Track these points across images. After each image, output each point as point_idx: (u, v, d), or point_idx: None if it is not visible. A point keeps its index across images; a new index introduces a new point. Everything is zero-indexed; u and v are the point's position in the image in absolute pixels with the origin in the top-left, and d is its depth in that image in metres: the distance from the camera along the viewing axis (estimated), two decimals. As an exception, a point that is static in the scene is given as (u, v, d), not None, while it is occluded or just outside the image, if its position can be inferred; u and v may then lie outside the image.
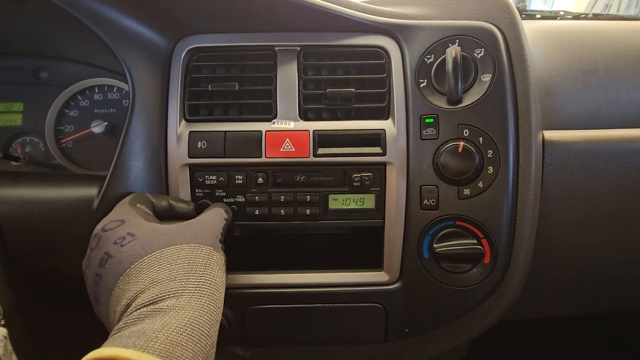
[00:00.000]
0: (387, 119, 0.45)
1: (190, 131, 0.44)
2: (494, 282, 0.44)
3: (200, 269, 0.32)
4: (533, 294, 0.54)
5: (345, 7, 0.45)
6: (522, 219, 0.42)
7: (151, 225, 0.35)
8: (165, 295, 0.29)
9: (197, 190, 0.45)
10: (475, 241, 0.42)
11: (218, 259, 0.35)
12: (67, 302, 0.47)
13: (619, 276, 0.55)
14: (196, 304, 0.29)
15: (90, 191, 0.42)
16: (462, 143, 0.41)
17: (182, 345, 0.26)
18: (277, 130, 0.44)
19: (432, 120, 0.43)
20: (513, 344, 0.93)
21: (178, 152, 0.44)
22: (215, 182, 0.45)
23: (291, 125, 0.44)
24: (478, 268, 0.43)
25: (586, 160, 0.46)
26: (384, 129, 0.44)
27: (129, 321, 0.27)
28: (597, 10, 2.50)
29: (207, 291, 0.31)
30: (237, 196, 0.45)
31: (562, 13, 0.88)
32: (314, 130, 0.44)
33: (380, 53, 0.46)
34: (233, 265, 0.47)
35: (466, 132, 0.42)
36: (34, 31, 0.53)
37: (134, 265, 0.31)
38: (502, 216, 0.42)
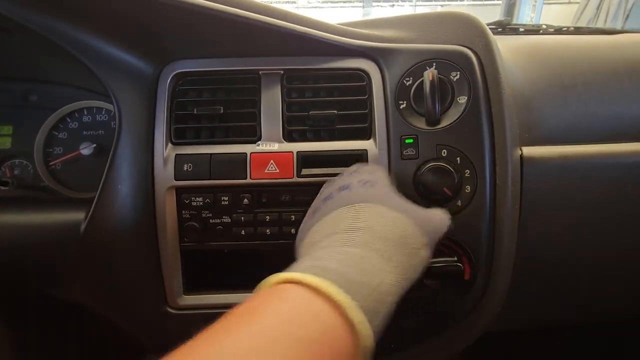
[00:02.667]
0: (369, 139, 0.46)
1: (177, 154, 0.45)
2: (475, 297, 0.45)
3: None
4: (518, 306, 0.55)
5: (327, 32, 0.46)
6: (501, 236, 0.43)
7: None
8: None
9: (183, 211, 0.46)
10: (456, 258, 0.43)
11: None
12: (53, 326, 0.48)
13: (600, 288, 0.56)
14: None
15: (77, 215, 0.42)
16: (439, 164, 0.42)
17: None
18: (261, 152, 0.45)
19: (412, 140, 0.44)
20: (504, 354, 0.93)
21: (164, 174, 0.45)
22: (201, 203, 0.45)
23: (275, 146, 0.46)
24: (458, 284, 0.44)
25: (564, 175, 0.48)
26: (366, 149, 0.45)
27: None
28: (584, 20, 2.55)
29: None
30: (223, 217, 0.46)
31: (544, 27, 0.91)
32: (297, 152, 0.45)
33: (362, 75, 0.47)
34: (220, 284, 0.48)
35: (444, 152, 0.43)
36: (23, 56, 0.54)
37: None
38: (481, 233, 0.43)
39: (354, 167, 0.38)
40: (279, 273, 0.26)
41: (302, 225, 0.37)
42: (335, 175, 0.44)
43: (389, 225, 0.30)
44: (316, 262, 0.26)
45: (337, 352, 0.23)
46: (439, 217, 0.35)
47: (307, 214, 0.38)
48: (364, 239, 0.28)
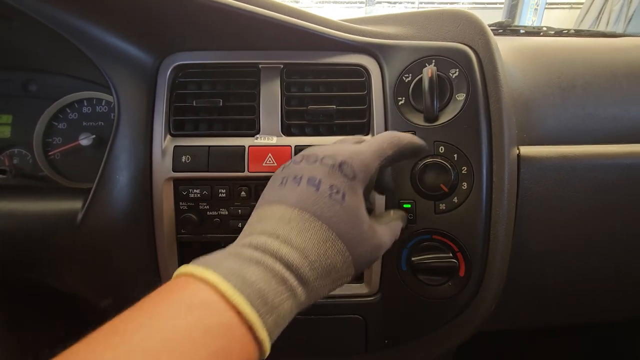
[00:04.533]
0: (367, 134, 0.46)
1: (175, 146, 0.45)
2: (470, 294, 0.45)
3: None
4: (513, 305, 0.55)
5: (327, 28, 0.46)
6: (496, 233, 0.44)
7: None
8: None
9: (181, 203, 0.46)
10: (451, 254, 0.43)
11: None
12: (48, 314, 0.48)
13: (596, 287, 0.56)
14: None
15: (74, 205, 0.42)
16: (436, 160, 0.43)
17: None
18: (259, 146, 0.45)
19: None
20: (500, 352, 0.94)
21: (162, 166, 0.45)
22: (199, 195, 0.46)
23: (273, 140, 0.46)
24: (453, 281, 0.44)
25: (561, 175, 0.48)
26: (363, 145, 0.45)
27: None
28: (587, 23, 2.55)
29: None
30: (221, 209, 0.46)
31: (545, 29, 0.91)
32: (295, 146, 0.45)
33: (361, 71, 0.47)
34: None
35: (442, 149, 0.43)
36: (23, 45, 0.54)
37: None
38: (476, 231, 0.43)
39: (337, 159, 0.33)
40: (200, 263, 0.27)
41: (268, 186, 0.36)
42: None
43: (324, 256, 0.30)
44: (241, 267, 0.27)
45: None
46: (377, 254, 0.34)
47: (275, 176, 0.36)
48: (293, 259, 0.28)
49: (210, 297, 0.24)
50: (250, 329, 0.24)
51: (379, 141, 0.37)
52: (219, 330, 0.23)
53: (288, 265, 0.28)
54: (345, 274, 0.31)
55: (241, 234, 0.32)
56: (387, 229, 0.36)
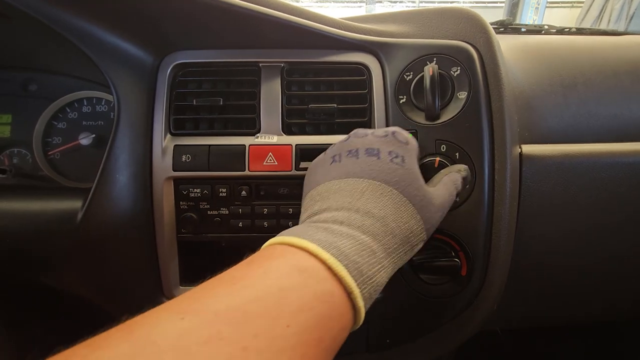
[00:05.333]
0: (368, 133, 0.46)
1: (175, 145, 0.45)
2: (471, 293, 0.45)
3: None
4: (515, 304, 0.55)
5: (328, 26, 0.46)
6: (498, 233, 0.43)
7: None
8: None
9: (181, 202, 0.46)
10: (453, 254, 0.43)
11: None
12: (47, 313, 0.48)
13: (598, 287, 0.56)
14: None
15: (74, 204, 0.42)
16: (437, 158, 0.42)
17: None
18: (260, 145, 0.45)
19: (411, 135, 0.44)
20: (501, 352, 0.94)
21: (163, 165, 0.45)
22: (199, 194, 0.45)
23: (274, 139, 0.45)
24: (455, 280, 0.44)
25: (563, 173, 0.48)
26: (365, 144, 0.45)
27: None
28: (588, 22, 2.55)
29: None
30: (221, 209, 0.46)
31: (546, 27, 0.91)
32: (296, 145, 0.45)
33: (362, 70, 0.47)
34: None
35: (443, 148, 0.43)
36: (23, 44, 0.53)
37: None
38: (478, 230, 0.43)
39: (389, 129, 0.36)
40: (295, 234, 0.27)
41: (315, 167, 0.37)
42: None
43: (402, 221, 0.31)
44: (334, 240, 0.27)
45: (341, 327, 0.25)
46: (440, 214, 0.35)
47: (323, 156, 0.37)
48: (376, 229, 0.29)
49: (315, 264, 0.25)
50: (349, 297, 0.25)
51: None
52: (325, 296, 0.24)
53: (374, 236, 0.29)
54: (420, 239, 0.32)
55: (307, 211, 0.33)
56: (441, 188, 0.36)
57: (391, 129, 0.36)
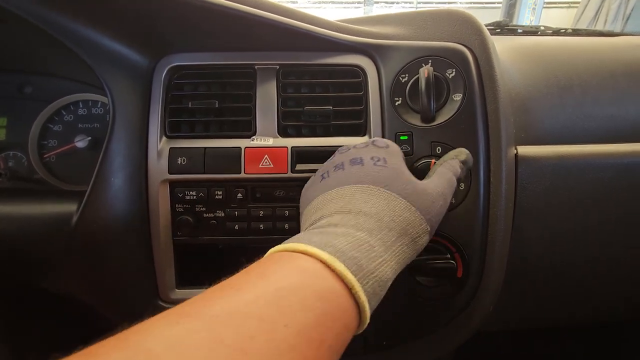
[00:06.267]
0: (364, 135, 0.46)
1: (171, 147, 0.45)
2: (468, 295, 0.45)
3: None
4: (512, 305, 0.55)
5: (323, 28, 0.46)
6: (494, 234, 0.43)
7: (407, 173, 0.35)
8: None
9: (177, 205, 0.45)
10: (449, 255, 0.43)
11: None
12: (44, 319, 0.47)
13: (594, 288, 0.56)
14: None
15: (69, 207, 0.42)
16: (433, 160, 0.42)
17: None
18: (256, 147, 0.45)
19: (406, 137, 0.44)
20: (499, 353, 0.94)
21: (158, 168, 0.45)
22: (195, 197, 0.45)
23: (270, 141, 0.45)
24: (451, 282, 0.44)
25: (558, 175, 0.48)
26: (360, 146, 0.45)
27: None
28: (584, 22, 2.56)
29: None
30: (217, 211, 0.46)
31: (542, 28, 0.91)
32: (292, 147, 0.45)
33: (357, 72, 0.47)
34: (212, 278, 0.48)
35: (439, 150, 0.43)
36: (18, 47, 0.53)
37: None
38: (474, 231, 0.43)
39: (369, 140, 0.39)
40: (292, 241, 0.28)
41: (308, 187, 0.39)
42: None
43: (395, 214, 0.31)
44: (330, 239, 0.27)
45: (344, 326, 0.25)
46: (441, 202, 0.35)
47: (314, 177, 0.39)
48: (371, 225, 0.30)
49: (313, 264, 0.25)
50: (351, 293, 0.25)
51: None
52: (325, 293, 0.24)
53: (370, 232, 0.29)
54: (422, 230, 0.33)
55: (304, 225, 0.34)
56: (435, 178, 0.37)
57: (371, 139, 0.39)
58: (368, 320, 0.27)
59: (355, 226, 0.29)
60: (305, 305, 0.23)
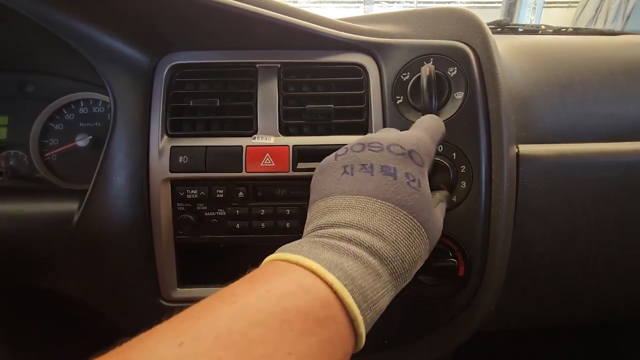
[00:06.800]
0: (365, 134, 0.46)
1: (172, 146, 0.45)
2: (469, 294, 0.45)
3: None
4: (513, 304, 0.55)
5: (325, 26, 0.46)
6: (496, 233, 0.43)
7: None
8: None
9: (178, 204, 0.45)
10: (450, 254, 0.43)
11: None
12: (45, 319, 0.47)
13: (596, 287, 0.56)
14: None
15: (70, 206, 0.42)
16: (435, 159, 0.42)
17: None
18: (257, 145, 0.45)
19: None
20: (499, 353, 0.94)
21: (159, 166, 0.45)
22: (196, 196, 0.45)
23: (271, 140, 0.45)
24: (453, 281, 0.44)
25: (560, 173, 0.48)
26: (362, 144, 0.45)
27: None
28: (583, 21, 2.55)
29: None
30: (218, 210, 0.46)
31: (543, 27, 0.91)
32: (293, 145, 0.45)
33: (359, 70, 0.47)
34: (213, 277, 0.48)
35: (440, 148, 0.43)
36: (19, 46, 0.53)
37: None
38: (475, 230, 0.43)
39: (407, 146, 0.34)
40: (301, 253, 0.27)
41: (325, 172, 0.35)
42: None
43: (412, 246, 0.30)
44: (341, 261, 0.26)
45: (343, 354, 0.24)
46: (440, 231, 0.35)
47: (334, 162, 0.35)
48: (386, 252, 0.28)
49: (319, 286, 0.24)
50: (352, 323, 0.25)
51: (433, 127, 0.38)
52: (329, 322, 0.24)
53: (382, 260, 0.28)
54: (423, 259, 0.32)
55: (313, 222, 0.32)
56: (439, 211, 0.36)
57: (408, 147, 0.34)
58: (361, 347, 0.26)
59: (370, 249, 0.28)
60: (309, 331, 0.22)
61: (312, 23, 0.45)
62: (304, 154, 0.45)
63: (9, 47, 0.53)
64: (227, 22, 0.43)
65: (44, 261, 0.41)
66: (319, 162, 0.42)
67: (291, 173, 0.45)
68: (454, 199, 0.43)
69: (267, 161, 0.45)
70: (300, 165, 0.45)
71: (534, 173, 0.47)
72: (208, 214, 0.46)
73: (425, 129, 0.37)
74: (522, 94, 0.51)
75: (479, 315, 0.46)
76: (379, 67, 0.47)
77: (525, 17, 3.42)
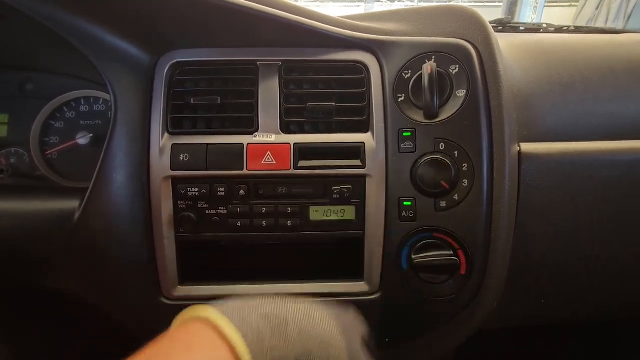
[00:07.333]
0: (367, 132, 0.46)
1: (173, 144, 0.45)
2: (471, 292, 0.45)
3: None
4: (515, 302, 0.54)
5: (326, 24, 0.46)
6: (497, 231, 0.43)
7: None
8: None
9: (179, 202, 0.45)
10: (452, 252, 0.43)
11: None
12: (46, 319, 0.47)
13: (595, 286, 0.56)
14: None
15: (71, 204, 0.42)
16: (437, 157, 0.42)
17: None
18: (258, 143, 0.45)
19: (409, 134, 0.44)
20: (501, 352, 0.94)
21: (160, 164, 0.44)
22: (197, 194, 0.45)
23: (272, 138, 0.45)
24: (455, 279, 0.44)
25: (562, 172, 0.48)
26: (363, 142, 0.45)
27: None
28: (583, 20, 2.55)
29: None
30: (220, 208, 0.46)
31: (544, 26, 0.91)
32: (294, 143, 0.45)
33: (360, 68, 0.47)
34: (214, 275, 0.48)
35: (442, 146, 0.43)
36: (20, 44, 0.53)
37: None
38: (477, 228, 0.43)
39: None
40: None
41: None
42: (332, 168, 0.44)
43: None
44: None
45: None
46: None
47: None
48: None
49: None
50: None
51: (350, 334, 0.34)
52: None
53: None
54: None
55: None
56: None
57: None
58: None
59: None
60: None
61: (314, 21, 0.45)
62: (305, 152, 0.45)
63: (9, 46, 0.53)
64: (230, 21, 0.43)
65: (45, 260, 0.41)
66: (320, 160, 0.42)
67: (292, 171, 0.45)
68: (456, 197, 0.43)
69: (268, 159, 0.45)
70: (302, 163, 0.45)
71: (536, 171, 0.47)
72: (209, 212, 0.46)
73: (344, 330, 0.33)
74: (523, 92, 0.51)
75: (481, 314, 0.46)
76: (380, 65, 0.47)
77: (526, 15, 3.42)
